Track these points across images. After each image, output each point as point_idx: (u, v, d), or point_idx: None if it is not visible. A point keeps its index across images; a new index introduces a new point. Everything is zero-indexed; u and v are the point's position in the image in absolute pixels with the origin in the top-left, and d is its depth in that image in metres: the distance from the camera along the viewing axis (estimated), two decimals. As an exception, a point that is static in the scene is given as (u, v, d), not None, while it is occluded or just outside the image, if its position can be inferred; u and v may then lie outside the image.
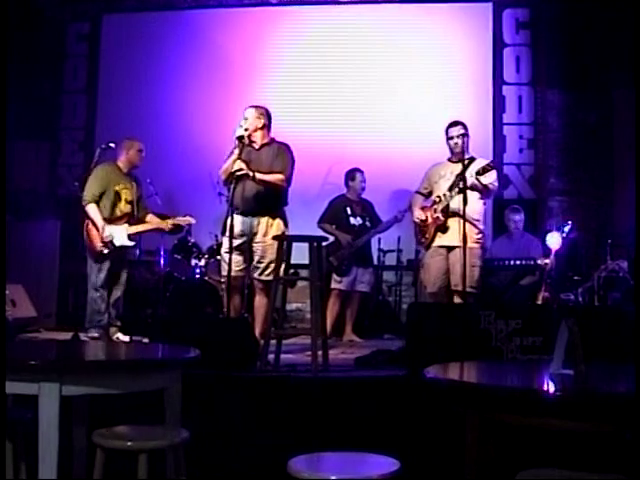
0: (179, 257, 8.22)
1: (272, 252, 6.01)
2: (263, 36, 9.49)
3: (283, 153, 6.28)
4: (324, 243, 6.37)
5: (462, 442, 2.97)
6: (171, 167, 9.11)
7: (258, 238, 6.20)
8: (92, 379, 3.19)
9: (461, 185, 6.03)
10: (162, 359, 3.81)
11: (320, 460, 3.07)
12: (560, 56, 8.92)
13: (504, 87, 9.14)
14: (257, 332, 5.86)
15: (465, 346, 4.60)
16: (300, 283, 7.31)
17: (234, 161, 6.04)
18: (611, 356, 3.87)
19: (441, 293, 6.53)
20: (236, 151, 6.08)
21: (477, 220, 6.42)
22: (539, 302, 6.80)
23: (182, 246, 8.25)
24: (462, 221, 6.07)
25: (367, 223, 8.10)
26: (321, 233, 7.45)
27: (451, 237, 6.40)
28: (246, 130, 6.14)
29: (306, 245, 5.44)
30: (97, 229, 6.77)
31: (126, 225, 6.89)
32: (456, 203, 6.22)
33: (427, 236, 6.57)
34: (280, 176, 6.16)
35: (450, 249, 6.42)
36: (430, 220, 6.52)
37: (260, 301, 6.26)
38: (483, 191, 6.41)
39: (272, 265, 6.00)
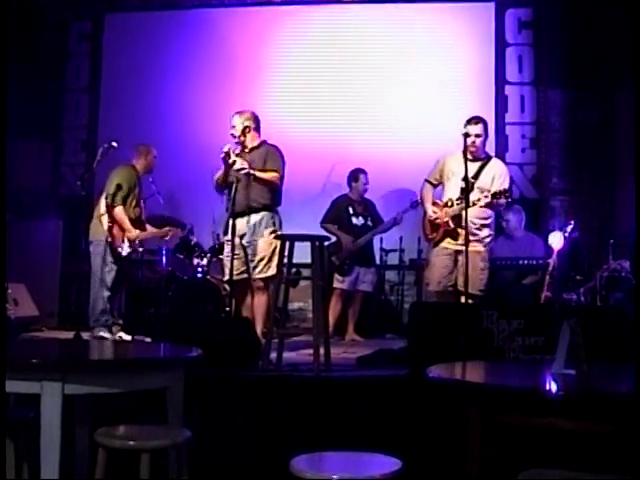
0: (181, 256, 8.21)
1: (264, 249, 6.30)
2: (266, 35, 9.48)
3: (274, 154, 6.47)
4: (326, 243, 6.40)
5: (464, 442, 2.97)
6: (173, 166, 9.09)
7: (248, 237, 6.39)
8: (94, 378, 3.20)
9: (471, 195, 6.07)
10: (164, 358, 3.82)
11: (322, 459, 3.07)
12: (563, 56, 8.91)
13: (506, 87, 9.13)
14: (258, 331, 5.88)
15: (467, 346, 4.59)
16: (302, 282, 7.32)
17: (223, 174, 6.40)
18: (613, 356, 3.87)
19: (445, 292, 6.45)
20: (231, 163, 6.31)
21: (486, 225, 6.39)
22: (541, 302, 6.78)
23: (184, 245, 8.24)
24: (476, 225, 6.24)
25: (369, 223, 8.10)
26: (324, 233, 7.45)
27: (460, 242, 6.27)
28: (234, 137, 6.46)
29: (308, 244, 5.44)
30: (123, 230, 6.83)
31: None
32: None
33: (435, 234, 6.50)
34: (275, 174, 6.37)
35: (458, 251, 6.32)
36: (441, 221, 6.42)
37: (259, 299, 6.38)
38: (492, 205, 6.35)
39: (264, 262, 6.30)
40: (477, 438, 2.92)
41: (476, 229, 6.29)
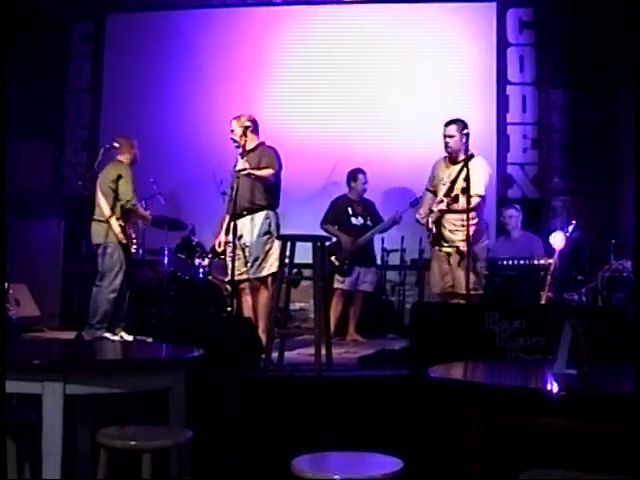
0: (183, 256, 8.22)
1: (257, 250, 6.45)
2: (268, 35, 9.48)
3: (269, 154, 6.61)
4: (327, 243, 6.42)
5: (466, 442, 2.97)
6: (175, 166, 9.12)
7: (245, 238, 6.49)
8: (96, 378, 3.20)
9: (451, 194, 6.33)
10: (166, 359, 3.82)
11: (324, 459, 3.07)
12: (564, 56, 8.91)
13: (508, 87, 9.13)
14: (259, 331, 5.89)
15: (469, 346, 4.59)
16: (304, 283, 7.32)
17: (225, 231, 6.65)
18: (614, 356, 3.87)
19: (446, 294, 6.57)
20: (227, 221, 6.59)
21: (465, 227, 6.35)
22: (543, 302, 6.78)
23: (186, 245, 8.26)
24: (449, 229, 6.40)
25: (369, 223, 8.10)
26: (325, 234, 7.46)
27: (450, 244, 6.48)
28: (235, 142, 6.60)
29: (309, 245, 5.44)
30: (135, 229, 6.89)
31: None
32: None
33: (430, 239, 6.64)
34: (270, 170, 6.48)
35: (449, 253, 6.49)
36: (426, 226, 6.60)
37: (259, 300, 6.45)
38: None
39: (257, 262, 6.45)
40: (479, 438, 2.92)
41: (456, 231, 6.38)
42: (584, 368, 2.96)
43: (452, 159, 6.54)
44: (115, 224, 6.82)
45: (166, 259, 8.12)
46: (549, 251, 7.23)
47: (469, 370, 3.49)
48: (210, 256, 8.06)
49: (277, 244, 6.06)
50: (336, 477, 2.81)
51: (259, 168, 6.49)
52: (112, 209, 6.84)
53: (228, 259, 6.45)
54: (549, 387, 3.05)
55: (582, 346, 2.97)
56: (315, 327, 5.34)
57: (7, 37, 8.14)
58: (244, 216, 6.48)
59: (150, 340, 5.55)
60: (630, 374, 3.04)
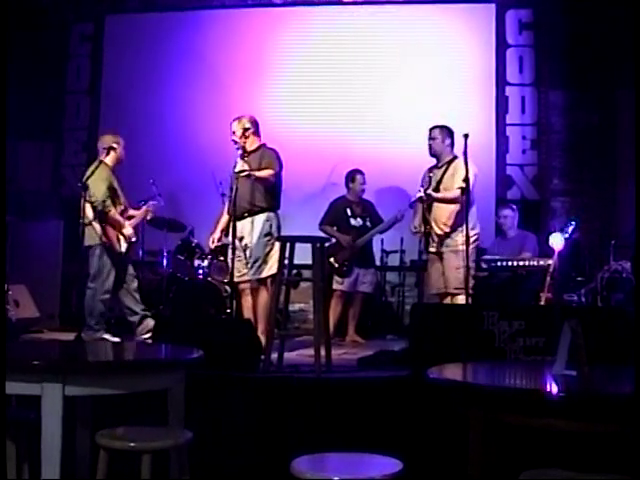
0: (182, 258, 8.22)
1: (258, 251, 6.47)
2: (267, 36, 9.47)
3: (270, 155, 6.62)
4: (326, 244, 6.43)
5: (465, 443, 2.97)
6: (174, 168, 9.11)
7: (246, 239, 6.52)
8: (95, 380, 3.20)
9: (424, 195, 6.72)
10: (165, 360, 3.82)
11: (323, 460, 3.07)
12: (563, 57, 8.91)
13: (507, 88, 9.13)
14: (258, 331, 5.90)
15: (468, 347, 4.60)
16: (303, 284, 7.32)
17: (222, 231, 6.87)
18: (614, 357, 3.87)
19: (443, 294, 6.72)
20: (223, 220, 6.82)
21: (451, 223, 6.65)
22: (542, 303, 6.79)
23: (185, 247, 8.26)
24: (437, 228, 6.67)
25: (367, 224, 8.09)
26: (324, 235, 7.47)
27: (436, 245, 6.74)
28: (236, 144, 6.61)
29: (308, 246, 5.44)
30: (116, 229, 6.82)
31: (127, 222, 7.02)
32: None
33: (422, 243, 6.88)
34: (270, 171, 6.50)
35: (438, 254, 6.73)
36: (417, 230, 6.90)
37: (259, 301, 6.46)
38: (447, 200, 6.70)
39: (257, 263, 6.48)
40: (478, 439, 2.92)
41: (444, 225, 6.66)
42: (583, 369, 2.96)
43: (437, 164, 6.88)
44: (96, 226, 6.80)
45: (165, 260, 8.12)
46: (544, 249, 7.24)
47: (468, 371, 3.49)
48: (209, 257, 8.06)
49: (278, 246, 6.06)
50: (335, 478, 2.81)
51: (260, 170, 6.50)
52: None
53: (228, 260, 6.46)
54: (548, 388, 3.05)
55: (581, 347, 2.97)
56: (314, 328, 5.33)
57: (7, 37, 8.15)
58: (244, 218, 6.49)
59: (149, 341, 5.55)
60: (630, 375, 3.04)
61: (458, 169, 6.54)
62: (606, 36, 8.52)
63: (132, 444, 3.19)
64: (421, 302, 8.00)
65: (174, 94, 9.54)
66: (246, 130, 6.56)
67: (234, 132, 6.63)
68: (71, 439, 3.50)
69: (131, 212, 7.14)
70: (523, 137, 9.10)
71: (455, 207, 6.60)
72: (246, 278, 6.55)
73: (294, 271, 5.96)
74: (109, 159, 7.01)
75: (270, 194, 6.55)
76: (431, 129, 6.90)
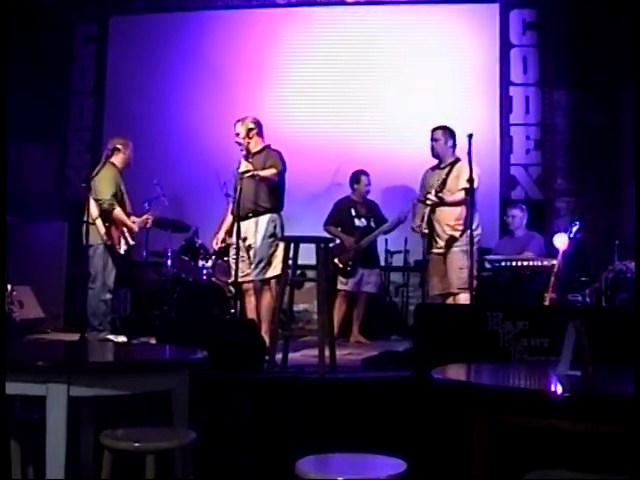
0: (186, 258, 8.22)
1: (263, 251, 6.46)
2: (271, 37, 9.47)
3: (274, 156, 6.61)
4: (330, 245, 6.43)
5: (469, 443, 2.97)
6: (178, 168, 9.12)
7: (250, 240, 6.52)
8: (100, 380, 3.20)
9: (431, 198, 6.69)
10: (169, 360, 3.82)
11: (327, 461, 3.07)
12: (567, 56, 8.90)
13: (511, 88, 9.12)
14: (262, 332, 5.90)
15: (472, 347, 4.59)
16: (307, 284, 7.32)
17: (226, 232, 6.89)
18: (618, 357, 3.86)
19: (447, 295, 6.72)
20: (227, 221, 6.85)
21: (457, 225, 6.64)
22: (546, 303, 6.78)
23: (189, 247, 8.26)
24: (441, 229, 6.68)
25: (372, 224, 8.09)
26: (328, 236, 7.47)
27: (440, 245, 6.73)
28: (240, 145, 6.62)
29: (313, 246, 5.44)
30: (119, 230, 6.84)
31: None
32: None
33: (425, 243, 6.83)
34: (273, 170, 6.49)
35: (441, 254, 6.72)
36: (420, 230, 6.85)
37: (263, 301, 6.46)
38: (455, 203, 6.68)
39: (262, 264, 6.45)
40: (482, 440, 2.92)
41: (447, 225, 6.69)
42: (588, 369, 2.96)
43: (439, 164, 6.89)
44: (100, 225, 6.83)
45: (169, 261, 8.12)
46: (550, 250, 7.23)
47: (473, 371, 3.49)
48: (213, 258, 8.06)
49: (282, 247, 6.06)
50: (340, 479, 2.81)
51: (263, 170, 6.50)
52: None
53: (232, 261, 6.47)
54: (553, 388, 3.05)
55: (586, 347, 2.97)
56: (319, 329, 5.33)
57: (10, 38, 8.16)
58: (249, 218, 6.49)
59: (154, 342, 5.55)
60: (634, 375, 3.04)
61: (462, 171, 6.51)
62: (610, 36, 8.50)
63: (136, 444, 3.20)
64: (425, 302, 7.99)
65: (178, 94, 9.54)
66: (250, 131, 6.56)
67: (238, 133, 6.63)
68: (75, 439, 3.51)
69: (132, 219, 7.16)
70: (527, 137, 9.09)
71: (460, 209, 6.60)
72: (250, 278, 6.55)
73: (298, 271, 5.97)
74: (115, 160, 7.05)
75: (274, 195, 6.54)
76: (433, 130, 6.90)
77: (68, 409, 3.06)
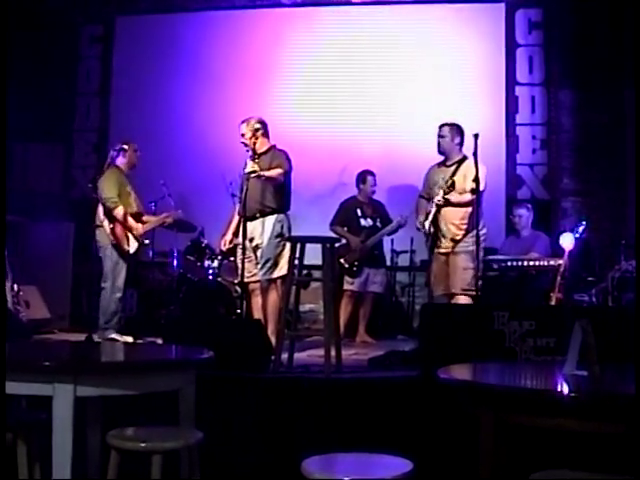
0: (192, 258, 8.23)
1: (270, 251, 6.46)
2: (277, 37, 9.48)
3: (279, 156, 6.61)
4: (336, 245, 6.43)
5: (475, 443, 2.97)
6: (184, 169, 9.13)
7: (257, 240, 6.53)
8: (106, 380, 3.21)
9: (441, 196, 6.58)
10: (176, 360, 3.82)
11: (334, 461, 3.07)
12: (573, 56, 8.90)
13: (517, 87, 9.12)
14: (269, 332, 5.90)
15: (478, 347, 4.59)
16: (313, 284, 7.32)
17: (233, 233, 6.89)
18: (625, 357, 3.86)
19: (447, 296, 6.67)
20: (234, 222, 6.85)
21: (462, 224, 6.59)
22: (553, 303, 6.77)
23: (195, 247, 8.26)
24: (446, 229, 6.60)
25: (378, 224, 8.10)
26: (334, 235, 7.48)
27: (445, 245, 6.66)
28: (246, 146, 6.58)
29: (319, 246, 5.44)
30: (126, 228, 6.86)
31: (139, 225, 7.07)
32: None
33: (429, 242, 6.78)
34: (279, 170, 6.48)
35: (445, 254, 6.67)
36: (425, 230, 6.76)
37: (269, 301, 6.47)
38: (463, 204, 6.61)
39: (269, 264, 6.45)
40: (489, 439, 2.92)
41: (452, 225, 6.61)
42: (594, 369, 2.96)
43: (445, 162, 6.80)
44: (107, 225, 6.87)
45: (175, 261, 8.13)
46: (557, 250, 7.22)
47: (479, 371, 3.48)
48: (219, 258, 8.06)
49: (288, 247, 6.06)
50: (346, 479, 2.81)
51: (269, 170, 6.50)
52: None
53: (238, 261, 6.47)
54: (559, 388, 3.05)
55: (592, 347, 2.96)
56: (325, 328, 5.34)
57: (16, 39, 8.17)
58: (256, 219, 6.49)
59: (160, 342, 5.56)
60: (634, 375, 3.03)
61: (469, 172, 6.46)
62: (615, 35, 8.50)
63: (143, 444, 3.20)
64: (431, 302, 7.99)
65: (184, 94, 9.56)
66: (256, 131, 6.56)
67: (243, 134, 6.62)
68: (82, 439, 3.51)
69: (145, 217, 7.19)
70: (533, 137, 9.08)
71: (467, 209, 6.57)
72: (256, 279, 6.55)
73: (304, 271, 5.97)
74: (120, 161, 7.09)
75: (280, 195, 6.54)
76: (441, 126, 6.82)
77: (75, 409, 3.07)
